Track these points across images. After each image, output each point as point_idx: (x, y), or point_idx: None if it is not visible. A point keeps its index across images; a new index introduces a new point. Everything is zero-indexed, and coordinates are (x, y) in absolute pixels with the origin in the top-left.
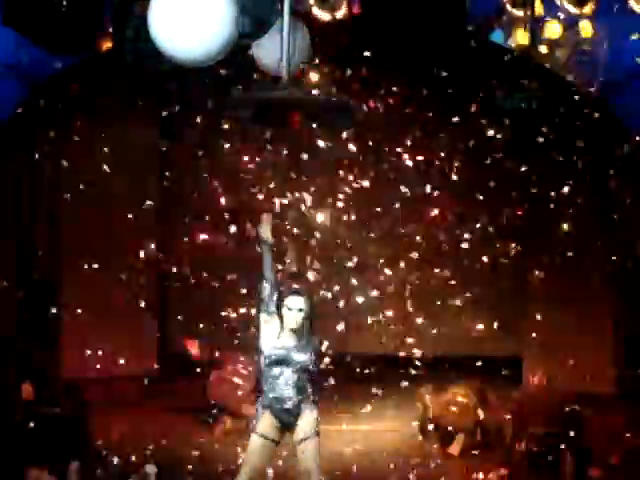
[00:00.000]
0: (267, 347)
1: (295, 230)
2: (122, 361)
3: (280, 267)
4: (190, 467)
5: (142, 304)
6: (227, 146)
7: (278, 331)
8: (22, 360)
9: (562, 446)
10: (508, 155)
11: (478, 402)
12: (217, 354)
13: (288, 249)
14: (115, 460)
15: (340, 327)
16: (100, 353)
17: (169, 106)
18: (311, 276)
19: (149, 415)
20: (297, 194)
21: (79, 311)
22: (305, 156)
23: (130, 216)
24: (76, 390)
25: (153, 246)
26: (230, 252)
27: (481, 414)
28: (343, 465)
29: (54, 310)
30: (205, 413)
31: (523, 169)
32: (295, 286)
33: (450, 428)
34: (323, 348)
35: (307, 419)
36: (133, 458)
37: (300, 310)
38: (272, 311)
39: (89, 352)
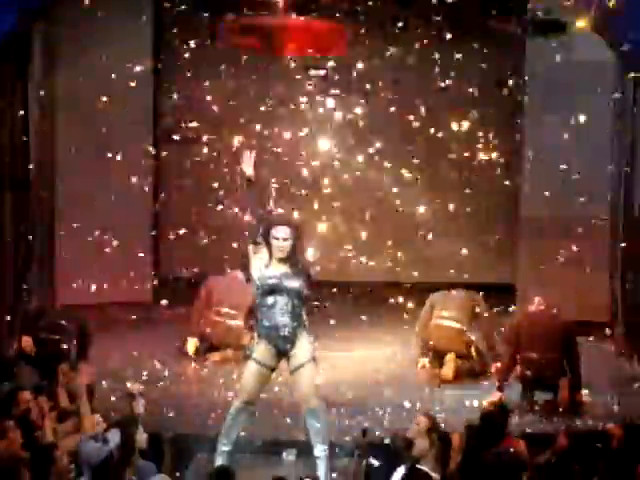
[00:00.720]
0: (258, 277)
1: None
2: (116, 287)
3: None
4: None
5: (137, 226)
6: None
7: (267, 261)
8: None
9: (557, 372)
10: None
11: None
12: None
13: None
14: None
15: (333, 254)
16: (94, 279)
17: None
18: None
19: (144, 342)
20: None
21: (73, 236)
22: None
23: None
24: (74, 315)
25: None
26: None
27: (473, 337)
28: (338, 392)
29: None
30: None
31: None
32: (281, 215)
33: (440, 349)
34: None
35: (303, 346)
36: (128, 385)
37: (285, 240)
38: (259, 241)
39: (83, 279)
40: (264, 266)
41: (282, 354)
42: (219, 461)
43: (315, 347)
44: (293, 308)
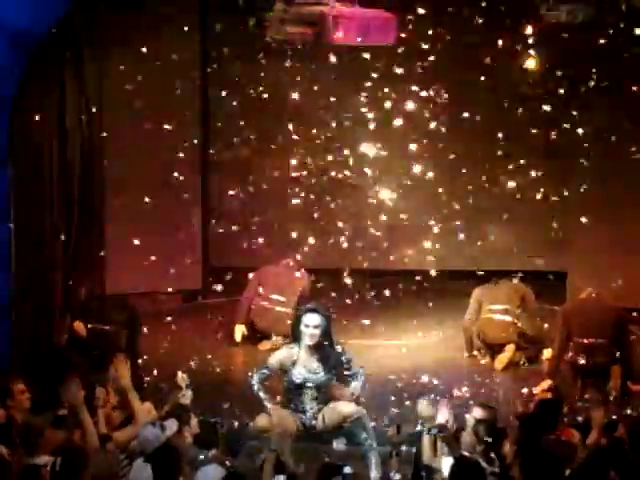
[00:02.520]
0: (286, 377)
1: None
2: (166, 276)
3: None
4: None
5: (186, 215)
6: None
7: (294, 358)
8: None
9: (608, 359)
10: None
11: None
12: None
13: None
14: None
15: (382, 243)
16: (144, 268)
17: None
18: None
19: (193, 330)
20: None
21: (123, 226)
22: None
23: (168, 127)
24: (125, 304)
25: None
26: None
27: (524, 327)
28: (386, 381)
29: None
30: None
31: None
32: (312, 305)
33: (494, 342)
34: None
35: (329, 416)
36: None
37: (316, 327)
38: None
39: (133, 268)
40: (292, 364)
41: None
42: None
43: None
44: (320, 395)
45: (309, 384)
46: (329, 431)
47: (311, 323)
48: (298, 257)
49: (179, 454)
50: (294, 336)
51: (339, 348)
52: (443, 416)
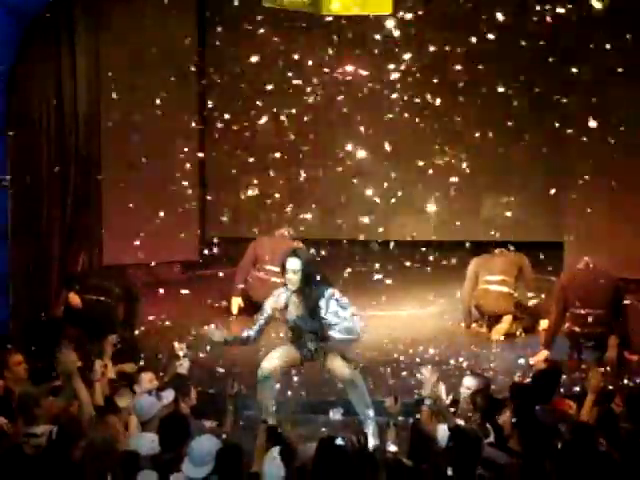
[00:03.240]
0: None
1: None
2: (162, 247)
3: None
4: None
5: (184, 187)
6: None
7: (284, 302)
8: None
9: (605, 329)
10: None
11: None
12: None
13: None
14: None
15: (380, 214)
16: (140, 239)
17: None
18: None
19: (190, 301)
20: None
21: (120, 197)
22: None
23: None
24: (123, 277)
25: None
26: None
27: (521, 297)
28: (383, 350)
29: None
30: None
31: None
32: (294, 249)
33: (491, 313)
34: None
35: (330, 357)
36: (176, 344)
37: (295, 272)
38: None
39: (130, 239)
40: (285, 307)
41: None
42: (264, 416)
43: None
44: (315, 336)
45: (301, 329)
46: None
47: (290, 267)
48: (292, 230)
49: (187, 423)
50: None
51: (328, 293)
52: (430, 385)
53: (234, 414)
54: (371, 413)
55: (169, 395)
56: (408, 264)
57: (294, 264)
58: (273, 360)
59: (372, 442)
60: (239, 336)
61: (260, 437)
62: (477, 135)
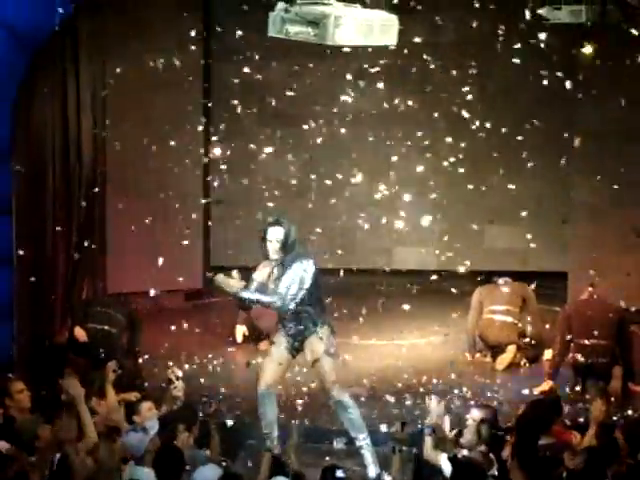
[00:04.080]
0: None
1: None
2: (167, 275)
3: None
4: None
5: (188, 214)
6: None
7: (268, 271)
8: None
9: (610, 360)
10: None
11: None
12: None
13: None
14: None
15: (379, 243)
16: (145, 268)
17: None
18: None
19: (193, 329)
20: None
21: (124, 226)
22: None
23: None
24: (126, 305)
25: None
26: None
27: (526, 328)
28: (387, 379)
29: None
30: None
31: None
32: (275, 217)
33: (495, 343)
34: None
35: (313, 343)
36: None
37: (278, 241)
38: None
39: (134, 267)
40: (267, 276)
41: (295, 349)
42: (268, 444)
43: (331, 342)
44: (295, 314)
45: None
46: None
47: (273, 237)
48: None
49: (182, 454)
50: (263, 253)
51: (303, 262)
52: (435, 414)
53: (219, 437)
54: (366, 439)
55: (154, 425)
56: (412, 293)
57: (276, 233)
58: (267, 372)
59: (372, 471)
60: (240, 290)
61: (264, 467)
62: (483, 168)
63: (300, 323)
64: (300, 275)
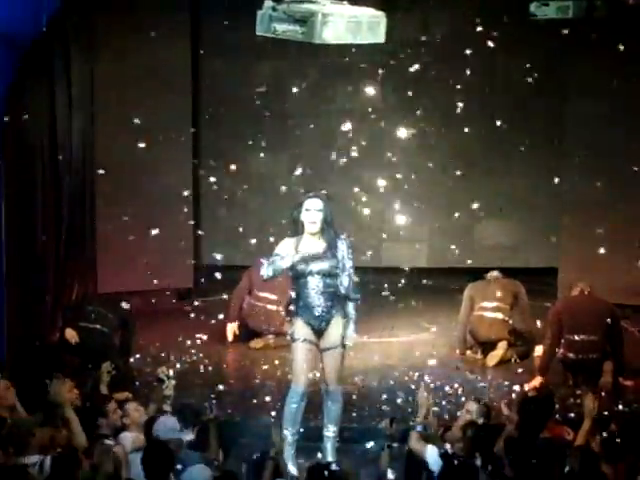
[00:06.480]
0: (288, 260)
1: None
2: (157, 274)
3: None
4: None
5: (177, 214)
6: None
7: (295, 244)
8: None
9: (600, 355)
10: None
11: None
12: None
13: None
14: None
15: (368, 240)
16: (136, 267)
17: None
18: None
19: (184, 328)
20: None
21: (115, 225)
22: None
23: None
24: (119, 305)
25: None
26: None
27: (516, 324)
28: (378, 376)
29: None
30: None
31: None
32: (312, 192)
33: (485, 340)
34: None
35: (336, 328)
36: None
37: (319, 211)
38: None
39: (125, 267)
40: (294, 249)
41: (317, 332)
42: (289, 450)
43: (348, 335)
44: (326, 287)
45: (311, 270)
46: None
47: (313, 207)
48: None
49: (170, 452)
50: (294, 227)
51: (344, 236)
52: (427, 410)
53: (218, 439)
54: (335, 432)
55: (126, 442)
56: (402, 290)
57: (317, 204)
58: (299, 372)
59: (329, 458)
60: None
61: (267, 474)
62: (472, 164)
63: (329, 299)
64: (351, 255)
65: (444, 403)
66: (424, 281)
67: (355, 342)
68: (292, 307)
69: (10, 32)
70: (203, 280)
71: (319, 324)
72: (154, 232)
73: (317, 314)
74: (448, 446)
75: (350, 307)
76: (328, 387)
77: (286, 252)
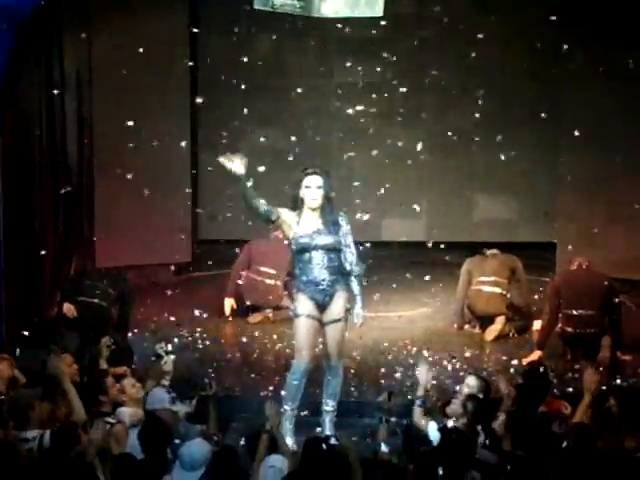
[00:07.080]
0: (292, 236)
1: None
2: (155, 249)
3: None
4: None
5: (177, 188)
6: None
7: (296, 219)
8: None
9: (598, 330)
10: None
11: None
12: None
13: None
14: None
15: (370, 215)
16: (134, 242)
17: None
18: None
19: (183, 303)
20: None
21: (112, 199)
22: None
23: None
24: (118, 279)
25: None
26: None
27: (514, 299)
28: (376, 351)
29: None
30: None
31: None
32: (311, 168)
33: (483, 314)
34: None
35: (339, 302)
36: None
37: (319, 187)
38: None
39: (123, 241)
40: (296, 224)
41: (321, 306)
42: (287, 425)
43: (357, 313)
44: (330, 262)
45: (316, 245)
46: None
47: (313, 184)
48: None
49: (167, 426)
50: (294, 203)
51: (343, 214)
52: (427, 384)
53: (217, 414)
54: (334, 407)
55: (123, 411)
56: (400, 265)
57: (317, 181)
58: (303, 347)
59: (327, 432)
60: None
61: (261, 447)
62: (470, 139)
63: (334, 273)
64: (351, 231)
65: (442, 377)
66: (422, 256)
67: (364, 320)
68: (295, 282)
69: (5, 7)
70: (201, 254)
71: (323, 298)
72: (152, 206)
73: (322, 288)
74: (451, 421)
75: (355, 283)
76: (330, 362)
77: (282, 213)
